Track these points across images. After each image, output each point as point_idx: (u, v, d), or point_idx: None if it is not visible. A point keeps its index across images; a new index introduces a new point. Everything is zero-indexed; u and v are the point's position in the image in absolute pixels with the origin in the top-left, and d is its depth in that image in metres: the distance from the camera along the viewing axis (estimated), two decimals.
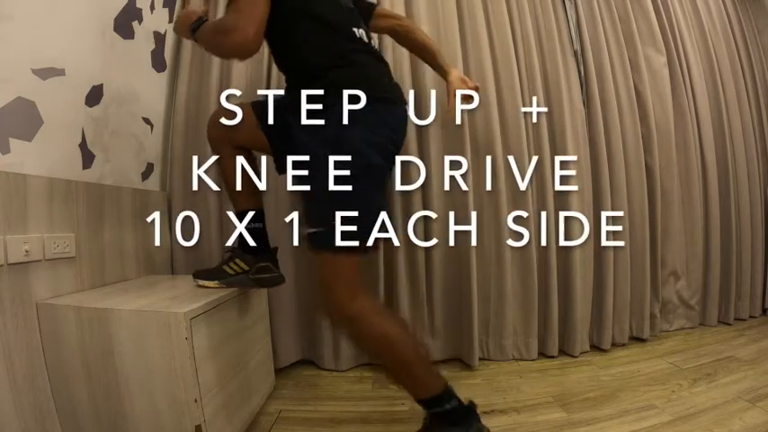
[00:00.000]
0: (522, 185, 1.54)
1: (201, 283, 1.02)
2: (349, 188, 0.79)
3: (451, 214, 1.51)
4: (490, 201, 1.55)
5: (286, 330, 1.44)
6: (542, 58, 1.65)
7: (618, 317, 1.65)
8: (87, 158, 1.07)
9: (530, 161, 1.58)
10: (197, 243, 1.43)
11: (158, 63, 1.41)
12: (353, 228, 0.80)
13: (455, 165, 1.51)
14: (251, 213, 1.03)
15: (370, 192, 0.84)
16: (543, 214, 1.57)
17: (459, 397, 0.89)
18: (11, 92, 0.84)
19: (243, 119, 0.96)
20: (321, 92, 0.83)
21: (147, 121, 1.36)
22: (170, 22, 1.47)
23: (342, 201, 0.80)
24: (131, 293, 0.95)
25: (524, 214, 1.54)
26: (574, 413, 1.12)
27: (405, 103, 0.96)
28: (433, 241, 1.50)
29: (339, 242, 0.79)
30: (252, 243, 1.02)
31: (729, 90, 1.95)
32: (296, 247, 1.46)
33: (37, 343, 0.83)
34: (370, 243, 0.83)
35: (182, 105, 1.45)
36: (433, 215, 1.50)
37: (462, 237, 1.48)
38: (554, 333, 1.55)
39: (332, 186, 0.79)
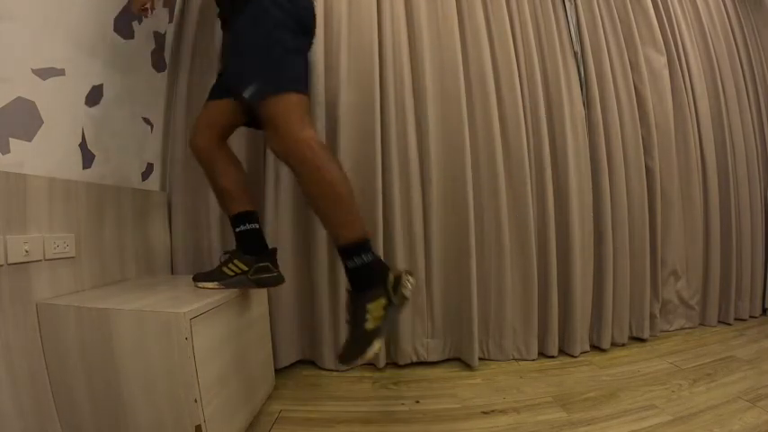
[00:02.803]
0: (522, 185, 1.55)
1: (201, 285, 1.02)
2: (263, 42, 0.91)
3: (451, 214, 1.52)
4: (490, 200, 1.55)
5: (286, 330, 1.44)
6: (542, 59, 1.66)
7: (618, 317, 1.66)
8: (87, 158, 1.07)
9: (530, 161, 1.58)
10: (197, 243, 1.44)
11: (158, 63, 1.41)
12: (276, 72, 0.91)
13: (455, 164, 1.52)
14: (246, 215, 1.05)
15: (282, 40, 0.93)
16: (543, 214, 1.58)
17: (375, 252, 0.92)
18: (11, 92, 0.84)
19: (212, 108, 1.10)
20: None
21: (147, 121, 1.36)
22: (170, 21, 1.47)
23: (261, 52, 0.91)
24: (131, 293, 0.95)
25: (524, 214, 1.55)
26: (574, 413, 1.12)
27: None
28: (433, 240, 1.50)
29: (272, 89, 0.90)
30: (250, 244, 1.03)
31: (729, 90, 1.95)
32: (296, 247, 1.47)
33: (37, 343, 0.83)
34: (296, 87, 0.93)
35: (182, 105, 1.45)
36: (433, 215, 1.50)
37: (462, 236, 1.49)
38: (554, 333, 1.55)
39: (253, 47, 0.92)
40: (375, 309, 0.86)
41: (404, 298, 0.89)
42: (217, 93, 1.11)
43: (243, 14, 0.94)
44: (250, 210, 1.06)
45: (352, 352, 0.87)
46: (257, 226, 1.06)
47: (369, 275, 0.88)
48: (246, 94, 0.91)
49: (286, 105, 0.91)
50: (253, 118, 1.11)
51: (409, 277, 0.91)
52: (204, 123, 1.09)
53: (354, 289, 0.89)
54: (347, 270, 0.90)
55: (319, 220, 0.94)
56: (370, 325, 0.85)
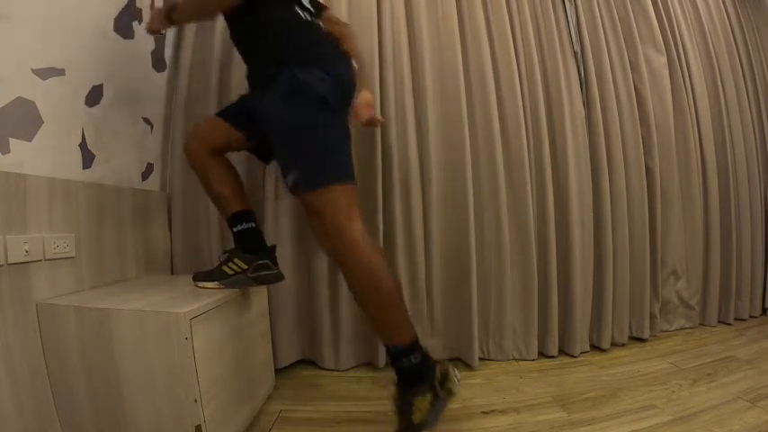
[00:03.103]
0: (522, 185, 1.55)
1: (201, 285, 1.02)
2: (306, 130, 0.87)
3: (451, 214, 1.52)
4: (490, 200, 1.55)
5: (286, 330, 1.44)
6: (542, 59, 1.66)
7: (618, 317, 1.66)
8: (87, 158, 1.07)
9: (530, 161, 1.58)
10: (197, 243, 1.44)
11: (158, 63, 1.41)
12: (319, 163, 0.87)
13: (455, 164, 1.52)
14: (242, 214, 1.05)
15: (323, 124, 0.89)
16: (543, 214, 1.58)
17: (423, 350, 0.91)
18: (11, 92, 0.84)
19: (215, 125, 1.07)
20: (274, 64, 0.90)
21: (147, 121, 1.36)
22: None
23: (299, 138, 0.87)
24: (131, 293, 0.95)
25: (524, 214, 1.55)
26: (574, 413, 1.12)
27: (349, 58, 0.99)
28: (433, 240, 1.50)
29: (316, 180, 0.87)
30: (248, 243, 1.04)
31: (729, 90, 1.95)
32: (296, 247, 1.47)
33: (37, 343, 0.83)
34: (342, 177, 0.89)
35: (182, 105, 1.45)
36: (433, 215, 1.50)
37: (462, 236, 1.49)
38: (554, 333, 1.55)
39: (292, 130, 0.87)
40: (421, 403, 0.87)
41: (450, 393, 0.90)
42: (234, 118, 1.07)
43: (274, 88, 0.88)
44: (246, 209, 1.06)
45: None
46: (254, 224, 1.06)
47: (416, 374, 0.89)
48: (288, 181, 0.89)
49: (330, 199, 0.87)
50: (261, 152, 1.11)
51: (456, 372, 0.92)
52: (204, 137, 1.07)
53: (401, 384, 0.90)
54: (394, 369, 0.91)
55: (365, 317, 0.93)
56: (417, 419, 0.86)
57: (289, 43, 0.91)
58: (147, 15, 1.11)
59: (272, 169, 1.43)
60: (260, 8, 0.92)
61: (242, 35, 0.99)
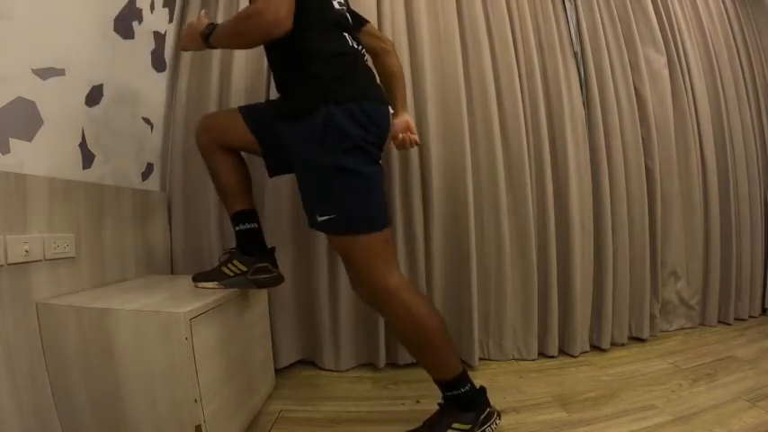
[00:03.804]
0: (522, 185, 1.55)
1: (201, 285, 1.02)
2: (339, 175, 0.84)
3: (451, 214, 1.52)
4: (490, 200, 1.55)
5: (286, 330, 1.44)
6: (542, 59, 1.66)
7: (618, 317, 1.66)
8: (87, 158, 1.07)
9: (530, 161, 1.58)
10: (197, 243, 1.44)
11: (158, 63, 1.41)
12: (353, 211, 0.86)
13: (455, 164, 1.52)
14: (245, 214, 1.04)
15: (356, 172, 0.86)
16: (543, 214, 1.58)
17: (472, 381, 0.94)
18: (11, 92, 0.84)
19: (233, 122, 1.03)
20: (310, 96, 0.86)
21: (147, 121, 1.36)
22: (170, 21, 1.47)
23: (331, 183, 0.85)
24: (131, 293, 0.95)
25: (524, 214, 1.55)
26: (574, 413, 1.12)
27: (386, 102, 0.97)
28: (433, 241, 1.50)
29: (346, 228, 0.86)
30: (248, 244, 1.03)
31: (729, 90, 1.95)
32: (296, 247, 1.47)
33: (37, 343, 0.83)
34: (374, 225, 0.87)
35: (182, 105, 1.45)
36: (433, 215, 1.50)
37: (462, 236, 1.49)
38: (554, 333, 1.55)
39: (323, 172, 0.85)
40: (459, 430, 0.90)
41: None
42: (253, 121, 1.02)
43: (308, 122, 0.85)
44: (249, 209, 1.06)
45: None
46: (256, 225, 1.06)
47: (466, 401, 0.92)
48: (318, 220, 0.87)
49: (361, 248, 0.86)
50: (270, 163, 1.06)
51: (498, 420, 0.95)
52: (217, 131, 1.04)
53: (448, 405, 0.93)
54: (443, 397, 0.94)
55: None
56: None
57: (328, 73, 0.86)
58: (183, 32, 1.03)
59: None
60: (307, 35, 0.86)
61: (284, 63, 0.94)
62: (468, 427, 0.90)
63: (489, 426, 0.93)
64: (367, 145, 0.87)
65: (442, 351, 0.91)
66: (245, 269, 1.01)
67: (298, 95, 0.90)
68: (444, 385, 0.93)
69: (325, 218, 0.87)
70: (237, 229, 1.04)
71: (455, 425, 0.90)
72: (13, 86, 0.85)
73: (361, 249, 0.87)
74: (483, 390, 0.97)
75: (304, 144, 0.87)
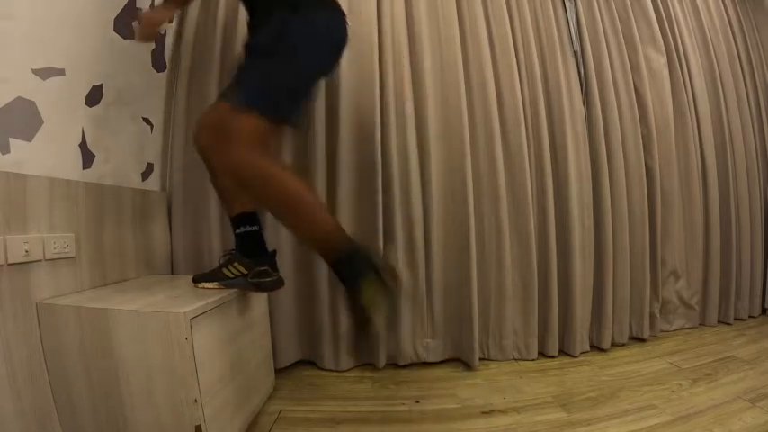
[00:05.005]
0: (522, 185, 1.55)
1: (201, 285, 1.02)
2: (275, 62, 0.88)
3: (451, 215, 1.52)
4: (490, 200, 1.55)
5: (286, 330, 1.44)
6: (542, 59, 1.66)
7: (618, 317, 1.66)
8: (87, 158, 1.07)
9: (530, 161, 1.58)
10: (197, 243, 1.44)
11: (158, 63, 1.41)
12: (262, 90, 0.86)
13: (455, 164, 1.52)
14: (246, 217, 1.04)
15: (290, 68, 0.90)
16: (543, 213, 1.58)
17: (358, 245, 0.87)
18: (11, 92, 0.84)
19: None
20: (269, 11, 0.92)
21: (147, 121, 1.36)
22: (170, 21, 1.47)
23: (267, 67, 0.88)
24: (131, 293, 0.95)
25: (524, 213, 1.55)
26: (574, 413, 1.12)
27: (342, 12, 1.01)
28: (433, 241, 1.50)
29: (249, 103, 0.84)
30: (249, 247, 1.03)
31: (729, 90, 1.95)
32: (296, 248, 1.47)
33: (37, 343, 0.83)
34: (276, 116, 0.88)
35: (182, 105, 1.45)
36: (433, 215, 1.50)
37: (462, 237, 1.49)
38: (554, 333, 1.55)
39: (260, 59, 0.89)
40: (367, 290, 0.84)
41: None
42: None
43: (264, 28, 0.92)
44: (251, 211, 1.05)
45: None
46: (258, 228, 1.05)
47: (353, 263, 0.85)
48: (230, 93, 0.89)
49: (246, 126, 0.83)
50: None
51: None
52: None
53: (341, 278, 0.88)
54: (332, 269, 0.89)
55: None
56: (364, 302, 0.84)
57: None
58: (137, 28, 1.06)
59: None
60: None
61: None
62: (244, 271, 0.94)
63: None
64: (321, 45, 0.93)
65: (318, 214, 0.87)
66: (245, 271, 1.01)
67: (261, 15, 0.97)
68: (330, 259, 0.87)
69: (237, 88, 0.88)
70: (238, 232, 1.04)
71: (362, 287, 0.83)
72: (13, 86, 0.85)
73: (244, 126, 0.84)
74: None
75: (256, 41, 0.93)
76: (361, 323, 0.84)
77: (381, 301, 0.83)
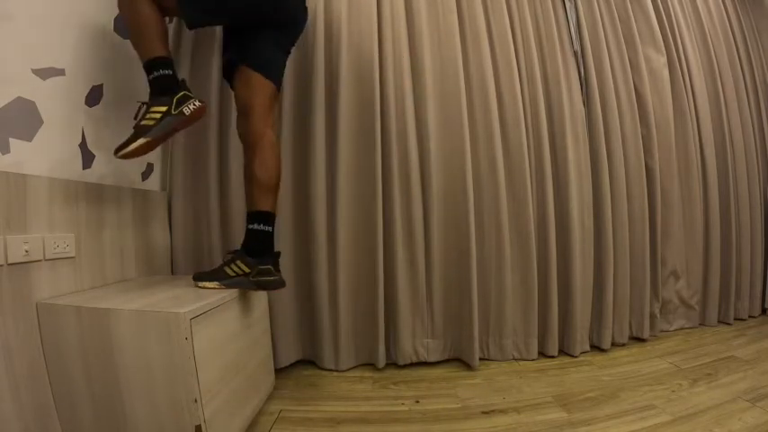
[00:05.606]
0: (522, 185, 1.55)
1: (202, 284, 1.02)
2: None
3: (451, 215, 1.52)
4: (490, 200, 1.55)
5: (286, 330, 1.44)
6: (542, 59, 1.66)
7: (618, 317, 1.66)
8: (87, 158, 1.07)
9: (530, 161, 1.58)
10: (197, 243, 1.44)
11: None
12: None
13: (455, 165, 1.52)
14: (264, 215, 1.03)
15: None
16: (543, 213, 1.58)
17: (176, 72, 1.02)
18: (11, 92, 0.84)
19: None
20: None
21: None
22: (170, 21, 1.47)
23: None
24: (131, 293, 0.95)
25: (524, 213, 1.55)
26: (574, 413, 1.12)
27: None
28: (433, 241, 1.50)
29: None
30: (257, 245, 1.02)
31: (729, 90, 1.95)
32: (296, 248, 1.47)
33: (37, 343, 0.83)
34: None
35: None
36: (433, 215, 1.50)
37: (462, 237, 1.49)
38: (554, 333, 1.55)
39: None
40: (156, 110, 0.97)
41: (183, 114, 0.99)
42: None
43: None
44: (269, 211, 1.04)
45: (123, 143, 1.00)
46: (271, 229, 1.05)
47: (162, 86, 0.98)
48: None
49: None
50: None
51: (197, 102, 1.00)
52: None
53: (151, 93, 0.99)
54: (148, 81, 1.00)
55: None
56: (146, 122, 0.97)
57: None
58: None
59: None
60: None
61: None
62: (164, 108, 0.96)
63: (187, 106, 0.98)
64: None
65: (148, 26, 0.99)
66: (247, 270, 1.01)
67: None
68: (148, 67, 0.99)
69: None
70: (251, 227, 1.03)
71: (154, 107, 0.96)
72: (13, 86, 0.85)
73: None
74: (183, 81, 1.01)
75: None
76: (141, 130, 0.97)
77: (156, 129, 0.96)
